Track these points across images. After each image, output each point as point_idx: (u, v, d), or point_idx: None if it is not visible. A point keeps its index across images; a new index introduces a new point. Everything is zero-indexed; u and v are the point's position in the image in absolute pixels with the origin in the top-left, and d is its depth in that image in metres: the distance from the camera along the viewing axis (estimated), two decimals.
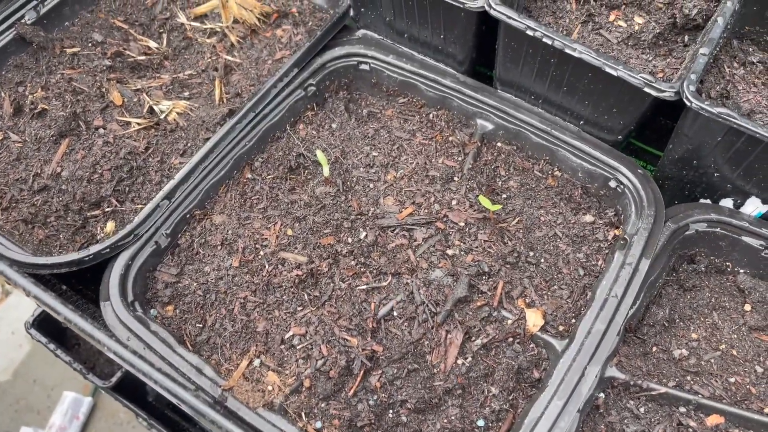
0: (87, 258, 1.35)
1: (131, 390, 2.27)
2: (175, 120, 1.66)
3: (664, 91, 1.37)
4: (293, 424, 1.24)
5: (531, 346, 1.38)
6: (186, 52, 1.82)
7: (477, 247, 1.47)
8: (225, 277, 1.44)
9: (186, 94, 1.73)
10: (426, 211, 1.52)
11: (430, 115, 1.71)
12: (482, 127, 1.66)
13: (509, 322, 1.39)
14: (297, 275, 1.41)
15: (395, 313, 1.38)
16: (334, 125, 1.70)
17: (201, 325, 1.38)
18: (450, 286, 1.40)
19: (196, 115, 1.67)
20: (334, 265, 1.44)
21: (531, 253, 1.48)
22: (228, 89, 1.73)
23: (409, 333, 1.36)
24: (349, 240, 1.47)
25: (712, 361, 1.39)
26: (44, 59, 1.73)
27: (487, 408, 1.31)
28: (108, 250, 1.38)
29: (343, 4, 1.76)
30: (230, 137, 1.57)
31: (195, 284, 1.43)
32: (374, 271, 1.43)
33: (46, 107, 1.64)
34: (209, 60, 1.79)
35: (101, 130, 1.63)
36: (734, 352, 1.41)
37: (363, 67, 1.74)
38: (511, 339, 1.38)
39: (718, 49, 1.47)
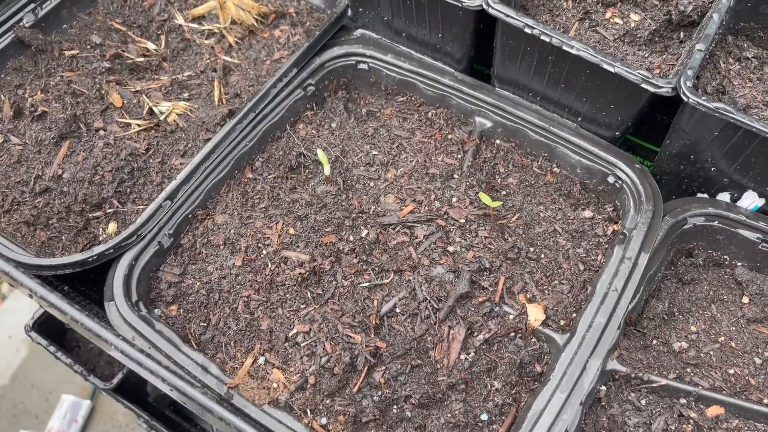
0: (91, 259, 1.36)
1: (132, 391, 2.27)
2: (175, 121, 1.67)
3: (661, 87, 1.39)
4: (299, 420, 1.26)
5: (533, 340, 1.39)
6: (184, 53, 1.83)
7: (478, 243, 1.48)
8: (228, 276, 1.45)
9: (185, 95, 1.74)
10: (427, 208, 1.53)
11: (429, 114, 1.72)
12: (481, 124, 1.67)
13: (511, 317, 1.40)
14: (300, 273, 1.42)
15: (398, 310, 1.39)
16: (333, 124, 1.71)
17: (205, 324, 1.39)
18: (452, 282, 1.42)
19: (195, 116, 1.68)
20: (337, 263, 1.45)
21: (531, 249, 1.49)
22: (227, 90, 1.74)
23: (412, 329, 1.37)
24: (351, 238, 1.49)
25: (712, 353, 1.41)
26: (43, 62, 1.73)
27: (490, 402, 1.32)
28: (111, 250, 1.38)
29: (341, 3, 1.78)
30: (231, 137, 1.57)
31: (198, 284, 1.44)
32: (376, 269, 1.44)
33: (46, 110, 1.65)
34: (208, 61, 1.80)
35: (101, 132, 1.64)
36: (733, 344, 1.43)
37: (362, 66, 1.75)
38: (513, 334, 1.39)
39: (713, 45, 1.49)
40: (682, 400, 1.34)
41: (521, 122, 1.63)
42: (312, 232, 1.49)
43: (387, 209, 1.53)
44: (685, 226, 1.50)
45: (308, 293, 1.41)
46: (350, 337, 1.35)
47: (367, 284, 1.42)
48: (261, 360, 1.33)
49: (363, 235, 1.49)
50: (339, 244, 1.47)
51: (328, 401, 1.29)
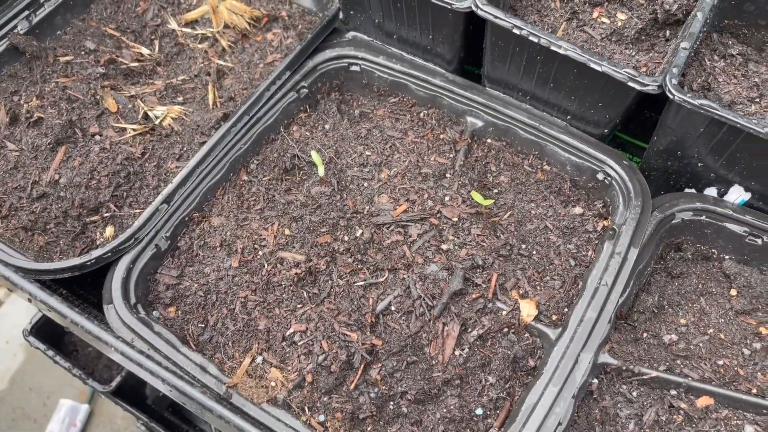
0: (89, 262, 1.38)
1: (131, 394, 2.29)
2: (170, 125, 1.69)
3: (647, 85, 1.42)
4: (297, 418, 1.28)
5: (525, 335, 1.42)
6: (178, 57, 1.85)
7: (471, 241, 1.51)
8: (225, 277, 1.47)
9: (180, 99, 1.76)
10: (420, 207, 1.56)
11: (421, 114, 1.75)
12: (472, 124, 1.69)
13: (504, 313, 1.43)
14: (296, 273, 1.44)
15: (393, 308, 1.42)
16: (327, 126, 1.74)
17: (203, 325, 1.41)
18: (445, 279, 1.44)
19: (190, 119, 1.70)
20: (332, 263, 1.48)
21: (523, 246, 1.52)
22: (221, 93, 1.76)
23: (407, 326, 1.39)
24: (346, 238, 1.51)
25: (701, 345, 1.44)
26: (38, 68, 1.74)
27: (485, 397, 1.35)
28: (109, 254, 1.40)
29: (332, 6, 1.80)
30: (226, 140, 1.59)
31: (196, 285, 1.46)
32: (371, 268, 1.47)
33: (42, 115, 1.66)
34: (201, 65, 1.81)
35: (97, 137, 1.65)
36: (722, 336, 1.46)
37: (354, 68, 1.77)
38: (506, 329, 1.42)
39: (698, 42, 1.52)
40: (673, 392, 1.37)
41: (512, 121, 1.65)
42: (307, 233, 1.52)
43: (381, 209, 1.56)
44: (673, 221, 1.53)
45: (304, 293, 1.44)
46: (346, 335, 1.37)
47: (362, 283, 1.45)
48: (259, 359, 1.36)
49: (357, 234, 1.51)
50: (334, 244, 1.50)
51: (325, 399, 1.31)
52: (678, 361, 1.41)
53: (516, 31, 1.49)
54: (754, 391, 1.38)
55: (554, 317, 1.43)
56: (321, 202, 1.56)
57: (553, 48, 1.46)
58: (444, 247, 1.50)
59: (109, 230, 1.53)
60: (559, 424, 1.25)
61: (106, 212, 1.55)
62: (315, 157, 1.59)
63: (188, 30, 1.87)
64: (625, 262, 1.42)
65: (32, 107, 1.68)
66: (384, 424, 1.31)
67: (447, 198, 1.57)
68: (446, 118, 1.73)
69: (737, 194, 1.54)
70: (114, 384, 2.19)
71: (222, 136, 1.58)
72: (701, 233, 1.56)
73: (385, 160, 1.66)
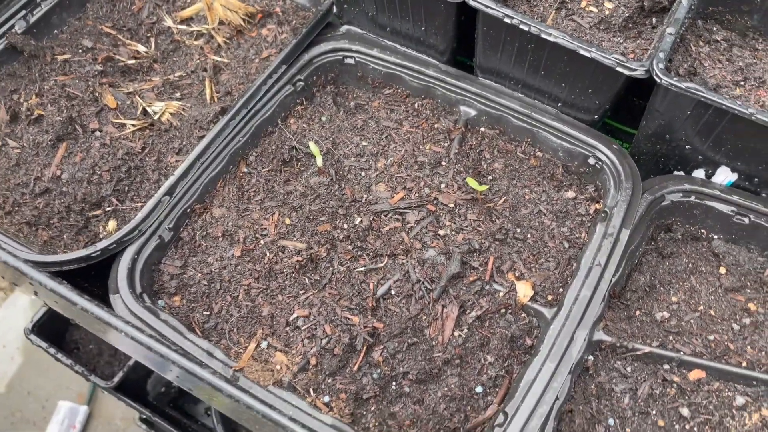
0: (95, 254, 1.40)
1: (132, 390, 2.31)
2: (168, 120, 1.72)
3: (635, 70, 1.46)
4: (302, 399, 1.31)
5: (522, 315, 1.46)
6: (174, 54, 1.87)
7: (467, 226, 1.55)
8: (228, 266, 1.50)
9: (177, 94, 1.78)
10: (417, 195, 1.59)
11: (416, 105, 1.78)
12: (466, 113, 1.73)
13: (501, 294, 1.47)
14: (297, 261, 1.47)
15: (393, 292, 1.45)
16: (323, 118, 1.77)
17: (208, 313, 1.44)
18: (443, 263, 1.48)
19: (188, 114, 1.72)
20: (332, 250, 1.51)
21: (518, 230, 1.56)
22: (218, 88, 1.78)
23: (407, 309, 1.43)
24: (345, 226, 1.54)
25: (692, 321, 1.48)
26: (36, 67, 1.77)
27: (484, 375, 1.38)
28: (114, 245, 1.43)
29: (326, 1, 1.83)
30: (225, 134, 1.62)
31: (199, 275, 1.49)
32: (371, 254, 1.50)
33: (42, 113, 1.69)
34: (198, 61, 1.84)
35: (97, 133, 1.68)
36: (712, 312, 1.50)
37: (348, 61, 1.81)
38: (503, 310, 1.45)
39: (684, 29, 1.56)
40: (666, 366, 1.41)
41: (504, 110, 1.69)
42: (307, 222, 1.55)
43: (379, 197, 1.59)
44: (663, 203, 1.58)
45: (306, 279, 1.47)
46: (348, 319, 1.40)
47: (362, 269, 1.48)
48: (264, 344, 1.39)
49: (357, 222, 1.54)
50: (334, 232, 1.53)
51: (329, 380, 1.35)
52: (670, 337, 1.46)
53: (507, 20, 1.52)
54: (744, 364, 1.42)
55: (550, 297, 1.47)
56: (320, 191, 1.60)
57: (543, 36, 1.50)
58: (441, 232, 1.53)
59: (112, 224, 1.55)
60: (557, 398, 1.29)
61: (109, 206, 1.58)
62: (313, 147, 1.63)
63: (183, 27, 1.90)
64: (617, 243, 1.46)
65: (32, 105, 1.70)
66: (387, 403, 1.35)
67: (443, 185, 1.61)
68: (440, 108, 1.77)
69: (724, 175, 1.59)
70: (116, 380, 2.21)
71: (221, 129, 1.61)
72: (690, 214, 1.60)
73: (382, 150, 1.70)
